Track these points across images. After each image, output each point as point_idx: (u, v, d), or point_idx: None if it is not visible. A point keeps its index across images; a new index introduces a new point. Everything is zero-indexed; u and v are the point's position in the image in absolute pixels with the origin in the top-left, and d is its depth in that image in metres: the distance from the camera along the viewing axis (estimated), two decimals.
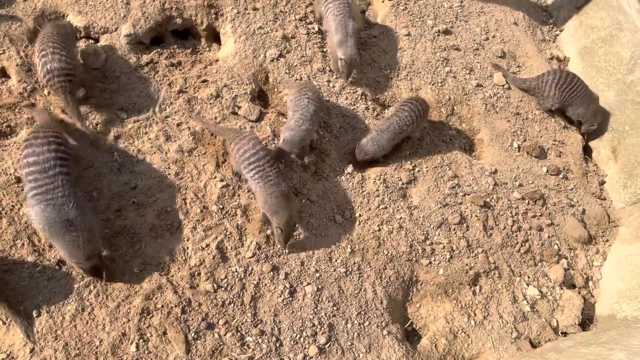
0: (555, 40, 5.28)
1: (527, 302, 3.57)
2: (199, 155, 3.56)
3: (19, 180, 3.12)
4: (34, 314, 2.81)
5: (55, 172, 2.83)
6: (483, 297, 3.53)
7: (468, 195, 3.87)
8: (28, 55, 3.63)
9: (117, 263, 3.04)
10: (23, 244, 2.97)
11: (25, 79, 3.55)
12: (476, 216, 3.79)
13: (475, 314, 3.45)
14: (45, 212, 2.76)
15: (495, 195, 3.95)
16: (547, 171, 4.25)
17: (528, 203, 4.00)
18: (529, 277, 3.69)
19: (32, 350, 2.74)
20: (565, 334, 3.52)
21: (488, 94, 4.54)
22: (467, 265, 3.59)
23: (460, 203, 3.83)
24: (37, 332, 2.78)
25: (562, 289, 3.69)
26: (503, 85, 4.66)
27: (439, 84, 4.47)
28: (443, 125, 4.34)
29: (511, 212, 3.90)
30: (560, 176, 4.26)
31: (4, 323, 2.78)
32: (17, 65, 3.57)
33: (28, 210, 2.81)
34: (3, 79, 3.59)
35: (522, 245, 3.79)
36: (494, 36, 4.98)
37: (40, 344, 2.75)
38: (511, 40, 5.01)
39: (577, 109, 4.47)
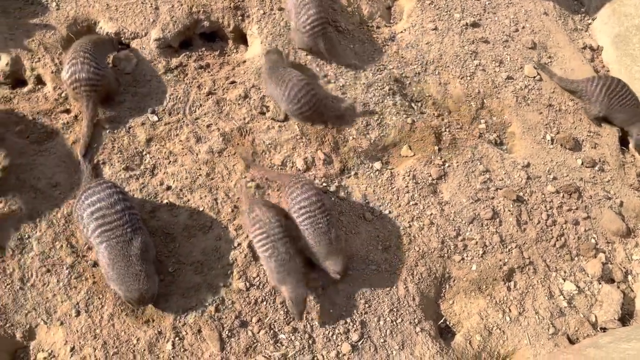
0: (587, 29, 5.15)
1: (564, 297, 3.50)
2: (228, 155, 3.60)
3: (56, 184, 3.22)
4: (74, 313, 2.89)
5: (122, 207, 2.86)
6: (518, 293, 3.46)
7: (500, 189, 3.81)
8: (62, 62, 3.73)
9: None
10: (62, 246, 3.06)
11: (60, 85, 3.65)
12: (509, 211, 3.73)
13: (510, 310, 3.40)
14: (114, 248, 2.80)
15: (529, 189, 3.87)
16: (582, 163, 4.15)
17: (563, 196, 3.91)
18: (565, 272, 3.61)
19: (72, 349, 2.82)
20: (604, 329, 3.43)
21: (519, 86, 4.45)
22: (500, 260, 3.53)
23: (493, 198, 3.77)
24: (77, 331, 2.86)
25: (600, 283, 3.60)
26: (534, 77, 4.57)
27: (468, 78, 4.41)
28: (473, 119, 4.28)
29: (545, 206, 3.82)
30: (596, 168, 4.15)
31: (45, 323, 2.87)
32: (52, 72, 3.69)
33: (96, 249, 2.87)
34: (39, 86, 3.72)
35: (557, 240, 3.71)
36: (523, 27, 4.88)
37: (79, 343, 2.83)
38: (542, 30, 4.90)
39: (621, 115, 4.33)
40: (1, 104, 3.57)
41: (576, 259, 3.69)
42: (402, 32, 4.62)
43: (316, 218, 3.13)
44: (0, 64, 3.68)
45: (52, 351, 2.83)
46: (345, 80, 4.12)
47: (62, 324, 2.87)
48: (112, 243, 2.80)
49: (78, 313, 2.90)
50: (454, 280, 3.46)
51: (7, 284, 2.91)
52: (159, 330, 2.92)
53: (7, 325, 2.83)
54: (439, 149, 3.95)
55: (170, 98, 3.77)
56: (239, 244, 3.27)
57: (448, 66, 4.45)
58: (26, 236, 3.05)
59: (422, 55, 4.46)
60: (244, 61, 4.17)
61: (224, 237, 3.27)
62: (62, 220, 3.13)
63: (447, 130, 4.06)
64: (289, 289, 2.99)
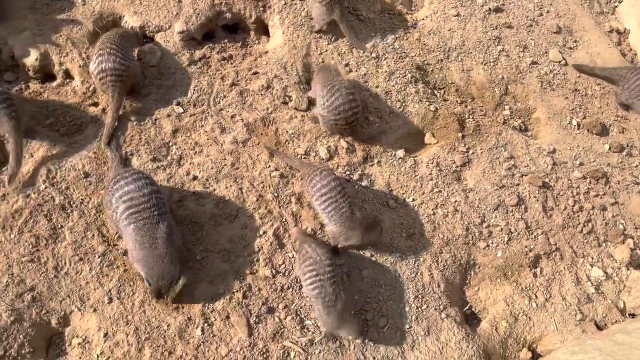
0: (614, 12, 5.04)
1: (592, 283, 3.46)
2: (252, 145, 3.64)
3: (87, 175, 3.31)
4: (106, 300, 2.98)
5: (149, 191, 2.94)
6: (544, 279, 3.44)
7: (525, 176, 3.78)
8: (89, 56, 3.81)
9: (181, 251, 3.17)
10: (93, 235, 3.15)
11: (88, 79, 3.74)
12: (535, 197, 3.70)
13: (536, 296, 3.38)
14: (140, 229, 2.88)
15: (555, 175, 3.83)
16: (609, 148, 4.08)
17: (590, 182, 3.86)
18: (592, 258, 3.57)
19: (105, 334, 2.91)
20: (633, 315, 3.39)
21: (544, 71, 4.39)
22: (526, 247, 3.51)
23: (518, 184, 3.74)
24: (109, 317, 2.94)
25: (628, 269, 3.55)
26: (559, 62, 4.50)
27: (491, 64, 4.36)
28: (497, 106, 4.24)
29: (572, 192, 3.78)
30: (624, 153, 4.08)
31: (79, 310, 2.96)
32: (80, 66, 3.78)
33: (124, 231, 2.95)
34: (67, 80, 3.81)
35: (584, 226, 3.67)
36: (548, 11, 4.80)
37: (112, 329, 2.92)
38: (567, 14, 4.82)
39: None
40: (32, 98, 3.68)
41: (604, 244, 3.64)
42: (423, 19, 4.59)
43: (338, 203, 3.16)
44: (30, 59, 3.78)
45: (86, 337, 2.92)
46: (367, 68, 4.12)
47: (95, 310, 2.96)
48: (139, 225, 2.89)
49: (110, 300, 2.99)
50: (479, 267, 3.46)
51: (42, 273, 3.01)
52: (189, 316, 2.99)
53: (43, 312, 2.92)
54: (463, 136, 3.93)
55: (194, 90, 3.82)
56: (265, 232, 3.31)
57: (471, 52, 4.41)
58: (59, 226, 3.15)
59: (444, 42, 4.43)
60: (266, 52, 4.20)
61: (249, 225, 3.32)
62: (93, 210, 3.21)
63: (471, 117, 4.04)
64: (342, 332, 3.00)
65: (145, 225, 2.89)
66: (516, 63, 4.42)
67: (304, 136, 3.72)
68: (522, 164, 3.85)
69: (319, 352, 2.98)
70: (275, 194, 3.46)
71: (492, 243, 3.51)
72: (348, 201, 3.19)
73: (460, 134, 3.93)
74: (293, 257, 3.25)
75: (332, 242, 3.27)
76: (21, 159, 3.30)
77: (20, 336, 2.83)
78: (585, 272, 3.51)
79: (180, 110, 3.71)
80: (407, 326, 3.13)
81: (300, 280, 3.12)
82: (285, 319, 3.06)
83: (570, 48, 4.62)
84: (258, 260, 3.22)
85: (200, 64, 3.99)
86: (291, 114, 3.81)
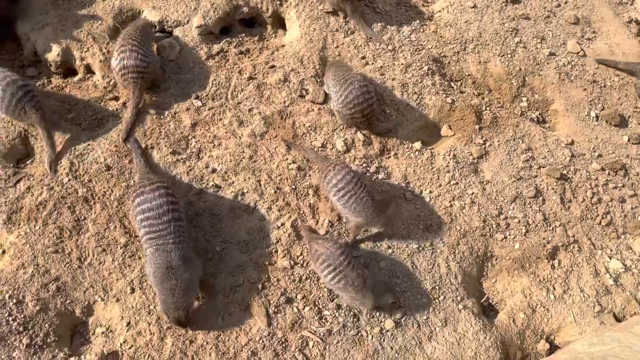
0: (633, 3, 4.97)
1: (610, 275, 3.45)
2: (270, 138, 3.67)
3: (109, 168, 3.37)
4: (128, 290, 3.04)
5: (168, 219, 2.92)
6: (562, 271, 3.44)
7: (543, 167, 3.77)
8: (109, 51, 3.87)
9: (200, 241, 3.22)
10: (115, 227, 3.21)
11: (108, 74, 3.81)
12: (552, 189, 3.69)
13: (554, 288, 3.38)
14: (154, 256, 2.90)
15: (573, 167, 3.81)
16: (628, 140, 4.05)
17: (608, 174, 3.83)
18: (611, 250, 3.56)
19: (128, 324, 2.97)
20: None
21: (562, 63, 4.36)
22: (544, 239, 3.51)
23: (535, 176, 3.73)
24: (132, 307, 3.00)
25: None
26: (577, 53, 4.47)
27: (509, 55, 4.34)
28: (514, 98, 4.22)
29: (590, 184, 3.76)
30: None
31: (102, 299, 3.03)
32: (100, 61, 3.84)
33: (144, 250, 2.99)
34: (88, 75, 3.88)
35: (603, 218, 3.65)
36: (565, 2, 4.76)
37: (135, 318, 2.98)
38: (585, 5, 4.77)
39: None
40: (55, 92, 3.75)
41: (622, 237, 3.62)
42: (440, 11, 4.58)
43: (358, 194, 3.18)
44: (52, 54, 3.85)
45: (109, 326, 2.98)
46: (384, 61, 4.13)
47: (118, 300, 3.02)
48: (154, 249, 2.90)
49: (133, 290, 3.05)
50: (496, 259, 3.46)
51: (66, 263, 3.08)
52: (209, 306, 3.04)
53: (67, 302, 3.00)
54: (480, 128, 3.92)
55: (212, 84, 3.86)
56: (283, 224, 3.35)
57: (488, 44, 4.39)
58: (82, 218, 3.22)
59: (461, 33, 4.42)
60: (283, 45, 4.22)
61: (267, 217, 3.36)
62: (115, 202, 3.28)
63: (488, 109, 4.03)
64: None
65: (158, 252, 2.89)
66: (534, 54, 4.39)
67: (320, 129, 3.75)
68: (540, 155, 3.84)
69: (337, 342, 3.01)
70: (293, 187, 3.49)
71: (509, 235, 3.51)
72: (366, 189, 3.22)
73: (477, 126, 3.92)
74: None
75: (354, 232, 3.30)
76: (55, 146, 3.39)
77: (46, 325, 2.90)
78: (603, 264, 3.49)
79: (199, 103, 3.75)
80: (425, 317, 3.15)
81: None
82: (303, 309, 3.10)
83: (589, 39, 4.58)
84: (276, 251, 3.27)
85: (218, 58, 4.04)
86: (308, 107, 3.84)
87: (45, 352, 2.84)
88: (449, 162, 3.71)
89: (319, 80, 3.98)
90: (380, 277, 3.17)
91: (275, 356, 2.94)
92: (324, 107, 3.85)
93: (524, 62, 4.33)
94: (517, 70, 4.29)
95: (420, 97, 3.97)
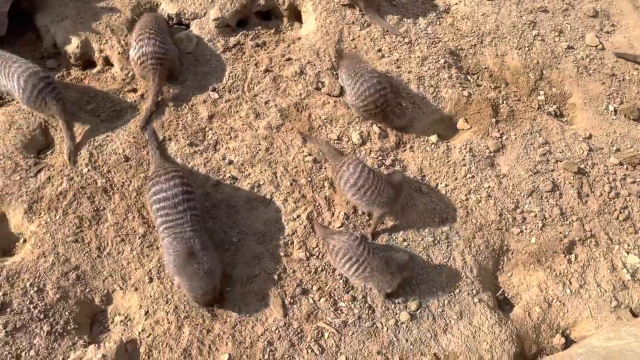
0: None
1: (627, 270, 3.42)
2: (286, 131, 3.69)
3: (127, 159, 3.41)
4: (147, 280, 3.08)
5: (184, 208, 2.96)
6: (579, 266, 3.42)
7: (560, 162, 3.74)
8: (128, 43, 3.91)
9: (217, 232, 3.25)
10: (134, 217, 3.25)
11: (127, 66, 3.84)
12: (570, 183, 3.66)
13: (570, 282, 3.36)
14: (172, 245, 2.93)
15: (590, 161, 3.78)
16: None
17: (627, 168, 3.80)
18: (628, 245, 3.53)
19: (146, 312, 3.01)
20: None
21: (580, 56, 4.32)
22: (561, 233, 3.49)
23: (552, 170, 3.71)
24: (150, 296, 3.04)
25: None
26: (596, 46, 4.42)
27: (526, 48, 4.31)
28: (531, 91, 4.20)
29: (608, 178, 3.73)
30: None
31: (121, 289, 3.07)
32: (119, 53, 3.88)
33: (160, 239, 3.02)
34: (107, 67, 3.92)
35: (620, 212, 3.62)
36: None
37: (153, 307, 3.02)
38: None
39: None
40: (74, 84, 3.80)
41: None
42: (457, 3, 4.56)
43: (376, 186, 3.19)
44: (71, 46, 3.89)
45: (127, 315, 3.03)
46: (400, 54, 4.12)
47: (136, 289, 3.06)
48: (171, 238, 2.93)
49: (151, 280, 3.09)
50: (512, 253, 3.45)
51: (86, 252, 3.13)
52: (227, 296, 3.07)
53: (87, 290, 3.04)
54: (497, 122, 3.90)
55: (229, 76, 3.89)
56: (299, 216, 3.37)
57: (505, 37, 4.36)
58: (101, 208, 3.26)
59: (477, 26, 4.39)
60: (299, 38, 4.23)
61: (283, 209, 3.38)
62: (134, 193, 3.32)
63: (505, 102, 4.00)
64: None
65: (176, 240, 2.92)
66: (551, 48, 4.35)
67: (336, 121, 3.75)
68: (557, 149, 3.82)
69: (352, 334, 3.03)
70: (309, 179, 3.51)
71: (525, 229, 3.49)
72: (383, 179, 3.24)
73: (494, 120, 3.90)
74: None
75: (375, 223, 3.33)
76: (74, 137, 3.45)
77: (66, 313, 2.95)
78: (620, 259, 3.47)
79: (216, 96, 3.78)
80: (440, 310, 3.16)
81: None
82: (319, 300, 3.12)
83: (608, 32, 4.53)
84: (292, 243, 3.29)
85: (234, 50, 4.05)
86: (324, 100, 3.84)
87: (66, 339, 2.89)
88: (465, 156, 3.70)
89: (335, 73, 3.99)
90: (396, 254, 3.19)
91: (291, 346, 2.96)
92: (339, 100, 3.86)
93: (542, 55, 4.30)
94: (534, 64, 4.26)
95: (436, 90, 3.96)
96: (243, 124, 3.67)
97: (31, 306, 2.93)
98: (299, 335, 3.00)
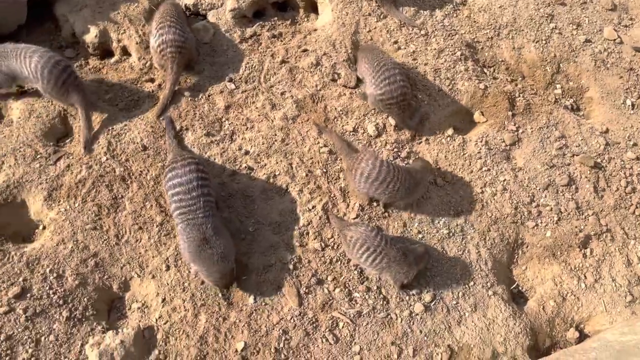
0: None
1: None
2: (302, 122, 3.70)
3: (145, 148, 3.44)
4: (164, 267, 3.12)
5: (198, 194, 2.99)
6: (594, 260, 3.41)
7: (577, 156, 3.73)
8: (145, 33, 3.93)
9: (233, 222, 3.28)
10: (151, 206, 3.29)
11: (144, 55, 3.87)
12: (586, 177, 3.65)
13: (585, 277, 3.36)
14: (186, 231, 2.96)
15: (607, 156, 3.76)
16: None
17: None
18: None
19: (163, 300, 3.05)
20: None
21: (597, 50, 4.28)
22: (576, 227, 3.48)
23: (569, 164, 3.69)
24: (167, 284, 3.08)
25: None
26: (614, 40, 4.38)
27: (543, 42, 4.28)
28: (548, 85, 4.17)
29: (625, 173, 3.71)
30: None
31: (139, 276, 3.11)
32: (137, 43, 3.91)
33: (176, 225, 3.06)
34: (125, 56, 3.95)
35: (637, 207, 3.60)
36: None
37: (170, 295, 3.06)
38: None
39: None
40: (92, 73, 3.83)
41: None
42: None
43: (397, 178, 3.21)
44: (90, 36, 3.92)
45: (145, 302, 3.07)
46: (416, 46, 4.11)
47: (153, 277, 3.10)
48: (185, 224, 2.97)
49: (168, 267, 3.12)
50: (527, 246, 3.45)
51: (104, 240, 3.17)
52: (242, 284, 3.10)
53: (105, 277, 3.09)
54: (513, 115, 3.89)
55: (246, 67, 3.90)
56: (314, 207, 3.38)
57: (522, 30, 4.33)
58: (119, 196, 3.30)
59: (495, 19, 4.36)
60: (315, 29, 4.23)
61: (299, 200, 3.40)
62: (152, 182, 3.35)
63: (521, 95, 3.98)
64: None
65: (189, 226, 2.96)
66: (569, 41, 4.32)
67: (352, 113, 3.76)
68: (574, 143, 3.80)
69: (367, 324, 3.05)
70: (324, 170, 3.52)
71: (541, 223, 3.49)
72: (402, 170, 3.25)
73: (510, 113, 3.89)
74: None
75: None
76: (92, 127, 3.49)
77: (85, 299, 3.00)
78: (636, 254, 3.46)
79: (233, 86, 3.79)
80: (454, 302, 3.17)
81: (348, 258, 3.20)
82: (334, 290, 3.14)
83: (626, 26, 4.48)
84: (307, 233, 3.30)
85: (251, 41, 4.07)
86: (340, 91, 3.85)
87: (84, 324, 2.93)
88: (480, 149, 3.69)
89: (351, 64, 3.99)
90: (412, 246, 3.22)
91: (305, 335, 2.99)
92: (355, 92, 3.86)
93: (559, 49, 4.27)
94: (551, 57, 4.23)
95: (452, 82, 3.95)
96: (259, 115, 3.69)
97: (51, 292, 2.97)
98: (314, 325, 3.02)
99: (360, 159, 3.28)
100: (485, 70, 4.13)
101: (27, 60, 3.38)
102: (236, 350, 2.91)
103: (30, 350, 2.80)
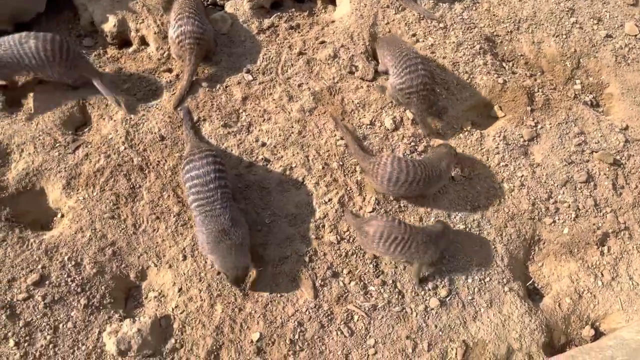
0: None
1: None
2: (319, 114, 3.69)
3: (163, 138, 3.46)
4: (180, 257, 3.13)
5: (215, 186, 2.99)
6: (612, 258, 3.39)
7: (596, 152, 3.69)
8: (164, 23, 3.93)
9: (250, 214, 3.29)
10: (169, 196, 3.30)
11: (162, 45, 3.87)
12: (605, 174, 3.61)
13: (602, 274, 3.34)
14: (204, 223, 2.97)
15: (626, 153, 3.72)
16: None
17: None
18: None
19: (180, 289, 3.07)
20: None
21: (618, 45, 4.23)
22: (594, 224, 3.45)
23: (587, 161, 3.66)
24: (184, 274, 3.10)
25: None
26: (635, 35, 4.32)
27: (564, 36, 4.22)
28: (567, 80, 4.12)
29: None
30: None
31: (156, 265, 3.13)
32: (155, 33, 3.91)
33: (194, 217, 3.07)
34: (143, 46, 3.96)
35: None
36: None
37: (186, 285, 3.08)
38: None
39: None
40: (110, 62, 3.84)
41: None
42: None
43: (422, 175, 3.22)
44: (108, 25, 3.93)
45: (161, 291, 3.09)
46: (434, 39, 4.08)
47: (170, 267, 3.12)
48: (203, 216, 2.98)
49: (184, 257, 3.14)
50: (544, 243, 3.43)
51: (122, 229, 3.19)
52: (258, 276, 3.11)
53: (122, 266, 3.11)
54: (531, 110, 3.85)
55: (263, 58, 3.89)
56: (330, 200, 3.38)
57: (542, 24, 4.28)
58: (137, 185, 3.31)
59: (514, 12, 4.31)
60: (333, 21, 4.21)
61: (315, 192, 3.40)
62: (169, 172, 3.36)
63: (540, 90, 3.94)
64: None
65: (207, 218, 2.96)
66: (590, 36, 4.27)
67: (369, 106, 3.74)
68: (593, 140, 3.76)
69: (382, 317, 3.05)
70: (341, 163, 3.51)
71: (558, 219, 3.46)
72: (423, 164, 3.26)
73: (528, 108, 3.85)
74: None
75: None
76: (111, 91, 3.60)
77: (102, 287, 3.02)
78: None
79: (250, 77, 3.79)
80: (470, 297, 3.16)
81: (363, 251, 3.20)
82: (349, 283, 3.14)
83: None
84: (323, 226, 3.30)
85: (268, 32, 4.05)
86: (357, 84, 3.83)
87: (102, 312, 2.96)
88: (498, 144, 3.66)
89: (368, 56, 3.96)
90: (431, 226, 3.25)
91: (320, 327, 3.00)
92: (373, 84, 3.84)
93: (579, 44, 4.21)
94: (571, 52, 4.18)
95: (471, 76, 3.91)
96: (276, 107, 3.68)
97: (69, 279, 3.00)
98: (329, 317, 3.03)
99: (384, 163, 3.24)
100: (504, 64, 4.09)
101: (25, 47, 3.33)
102: (251, 341, 2.93)
103: (48, 337, 2.84)
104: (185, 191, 3.12)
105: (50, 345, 2.82)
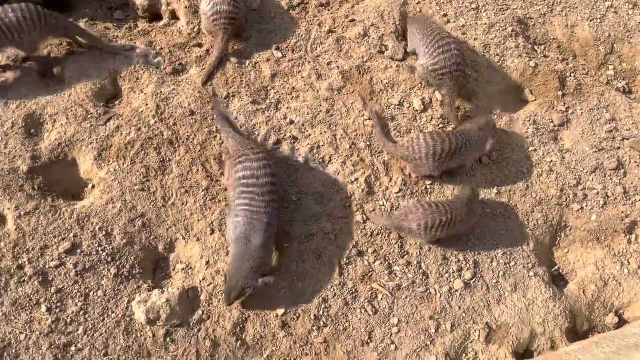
0: None
1: None
2: (347, 93, 3.68)
3: (192, 113, 3.48)
4: (208, 231, 3.17)
5: (270, 199, 2.98)
6: (639, 246, 3.36)
7: (627, 139, 3.64)
8: None
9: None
10: (198, 170, 3.33)
11: (193, 20, 3.87)
12: (635, 162, 3.57)
13: (629, 262, 3.31)
14: (243, 227, 2.96)
15: None
16: None
17: None
18: None
19: (207, 262, 3.12)
20: None
21: None
22: (622, 212, 3.42)
23: (618, 148, 3.61)
24: (211, 247, 3.14)
25: None
26: None
27: (598, 20, 4.14)
28: (600, 65, 4.05)
29: None
30: None
31: (184, 238, 3.18)
32: (186, 7, 3.91)
33: (231, 216, 3.05)
34: (173, 20, 3.96)
35: None
36: None
37: (214, 258, 3.12)
38: None
39: None
40: (141, 36, 3.86)
41: None
42: None
43: (462, 143, 3.27)
44: None
45: (189, 263, 3.14)
46: (466, 20, 4.02)
47: (198, 240, 3.16)
48: (244, 220, 2.97)
49: (212, 231, 3.18)
50: (570, 230, 3.41)
51: (152, 202, 3.23)
52: (284, 252, 3.15)
53: (152, 237, 3.16)
54: (563, 95, 3.80)
55: (293, 35, 3.88)
56: (357, 179, 3.39)
57: (576, 7, 4.19)
58: (167, 159, 3.35)
59: None
60: None
61: (342, 171, 3.41)
62: (198, 147, 3.39)
63: (572, 75, 3.88)
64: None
65: (249, 225, 2.95)
66: (625, 21, 4.17)
67: (398, 87, 3.72)
68: (624, 127, 3.70)
69: (406, 297, 3.08)
70: (368, 143, 3.51)
71: (586, 206, 3.44)
72: (463, 134, 3.29)
73: (560, 93, 3.80)
74: (383, 205, 3.32)
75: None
76: (101, 40, 3.70)
77: (132, 258, 3.08)
78: None
79: (279, 55, 3.78)
80: (495, 281, 3.16)
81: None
82: (374, 263, 3.16)
83: None
84: (349, 205, 3.32)
85: (298, 9, 4.03)
86: (387, 64, 3.80)
87: (131, 282, 3.02)
88: (528, 128, 3.63)
89: (399, 36, 3.93)
90: (461, 193, 3.29)
91: (345, 305, 3.03)
92: (402, 65, 3.81)
93: (614, 28, 4.13)
94: (605, 37, 4.10)
95: (502, 59, 3.86)
96: (305, 85, 3.68)
97: (100, 249, 3.06)
98: (354, 295, 3.06)
99: (417, 141, 3.25)
100: (536, 47, 4.03)
101: (7, 21, 3.28)
102: (277, 315, 2.97)
103: (79, 304, 2.90)
104: (232, 190, 3.10)
105: (81, 312, 2.89)
